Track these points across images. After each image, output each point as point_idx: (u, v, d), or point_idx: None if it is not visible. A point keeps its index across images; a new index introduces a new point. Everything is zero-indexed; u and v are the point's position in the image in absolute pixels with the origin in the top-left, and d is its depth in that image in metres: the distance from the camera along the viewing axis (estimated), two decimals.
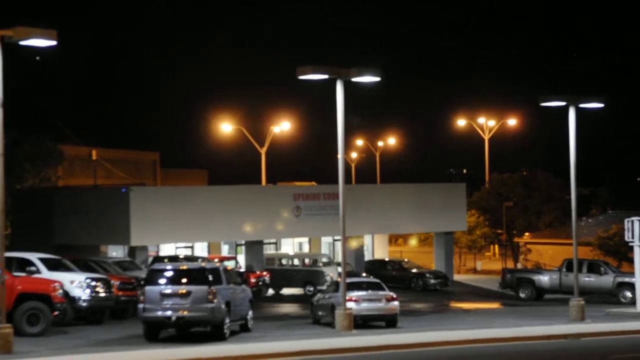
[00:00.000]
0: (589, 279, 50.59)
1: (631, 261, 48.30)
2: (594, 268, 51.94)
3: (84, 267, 38.66)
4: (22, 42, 25.82)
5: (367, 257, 62.50)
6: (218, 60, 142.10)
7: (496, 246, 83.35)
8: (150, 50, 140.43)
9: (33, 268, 34.47)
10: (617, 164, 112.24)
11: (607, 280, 51.02)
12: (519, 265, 68.81)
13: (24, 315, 29.92)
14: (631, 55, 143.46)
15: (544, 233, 72.67)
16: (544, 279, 52.75)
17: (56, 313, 30.69)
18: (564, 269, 51.61)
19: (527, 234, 73.59)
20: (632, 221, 41.96)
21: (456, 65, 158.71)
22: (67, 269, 35.89)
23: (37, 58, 49.90)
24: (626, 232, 42.47)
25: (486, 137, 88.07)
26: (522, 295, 52.57)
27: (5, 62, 25.81)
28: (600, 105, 39.43)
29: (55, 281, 31.62)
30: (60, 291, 31.17)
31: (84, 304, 34.63)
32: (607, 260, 58.05)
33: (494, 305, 49.59)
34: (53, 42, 26.04)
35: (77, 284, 34.60)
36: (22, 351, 25.44)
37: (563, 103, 38.42)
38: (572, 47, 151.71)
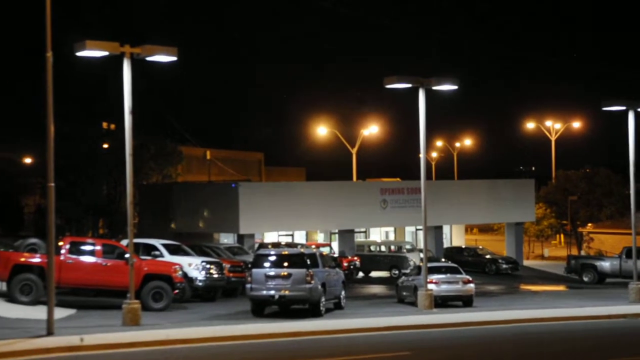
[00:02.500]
0: None
1: None
2: None
3: (200, 251, 39.19)
4: (149, 58, 26.25)
5: (446, 244, 62.16)
6: (313, 70, 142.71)
7: (562, 235, 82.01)
8: (256, 60, 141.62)
9: (157, 252, 35.16)
10: None
11: None
12: (583, 253, 67.62)
13: (149, 293, 30.47)
14: None
15: (605, 224, 71.20)
16: (606, 264, 51.78)
17: (176, 291, 31.14)
18: (624, 256, 50.59)
19: (589, 224, 72.24)
20: None
21: (525, 72, 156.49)
22: (185, 253, 36.48)
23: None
24: None
25: (553, 138, 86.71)
26: (585, 279, 51.70)
27: (133, 74, 26.34)
28: None
29: (175, 264, 32.15)
30: (180, 272, 31.64)
31: (200, 284, 35.16)
32: None
33: (560, 288, 48.88)
34: (174, 58, 26.44)
35: (194, 267, 35.13)
36: (148, 324, 25.90)
37: (623, 107, 37.72)
38: (631, 53, 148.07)
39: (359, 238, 58.38)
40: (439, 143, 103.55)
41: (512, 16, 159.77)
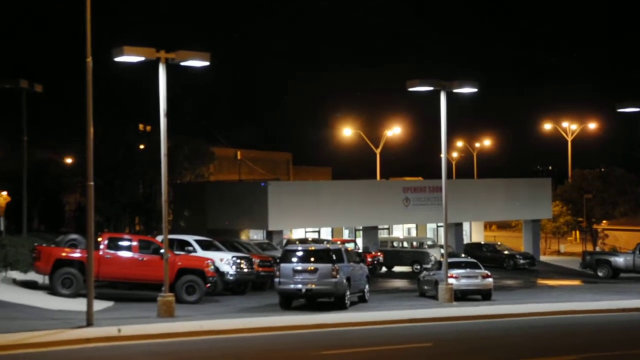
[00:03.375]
0: None
1: None
2: None
3: (231, 247, 39.25)
4: (182, 63, 26.33)
5: (466, 240, 61.98)
6: (340, 75, 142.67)
7: (577, 232, 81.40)
8: (283, 66, 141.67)
9: (190, 248, 35.28)
10: None
11: None
12: (597, 248, 67.16)
13: (183, 286, 30.56)
14: None
15: (619, 221, 70.74)
16: (620, 260, 51.37)
17: (208, 285, 31.18)
18: (637, 252, 50.21)
19: (604, 221, 71.75)
20: None
21: (542, 75, 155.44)
22: (217, 248, 36.51)
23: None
24: None
25: (569, 139, 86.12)
26: (600, 274, 51.32)
27: (167, 78, 26.41)
28: None
29: (208, 259, 32.17)
30: (212, 267, 31.69)
31: (231, 278, 35.19)
32: None
33: (575, 283, 48.55)
34: (207, 63, 26.49)
35: (225, 261, 35.18)
36: (182, 315, 25.99)
37: (637, 109, 37.40)
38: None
39: (383, 234, 58.33)
40: (459, 143, 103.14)
41: (524, 19, 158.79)
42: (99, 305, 27.16)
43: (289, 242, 45.38)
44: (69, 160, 65.03)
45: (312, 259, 29.81)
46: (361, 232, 56.68)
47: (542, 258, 64.55)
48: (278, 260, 31.70)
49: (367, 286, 33.06)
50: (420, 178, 67.47)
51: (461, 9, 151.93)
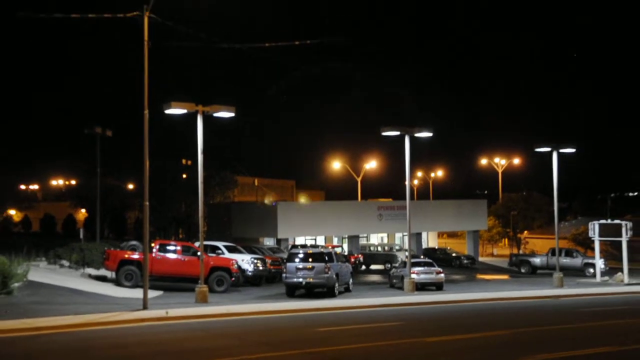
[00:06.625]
0: (565, 260, 49.04)
1: (593, 249, 46.88)
2: (569, 253, 50.36)
3: (250, 250, 39.22)
4: (215, 114, 26.44)
5: (424, 245, 61.86)
6: (329, 120, 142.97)
7: (506, 239, 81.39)
8: (290, 112, 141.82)
9: (219, 251, 35.22)
10: (585, 186, 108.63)
11: (577, 261, 49.42)
12: (521, 252, 67.11)
13: (214, 280, 30.53)
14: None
15: (537, 231, 70.81)
16: (537, 260, 51.40)
17: (233, 279, 31.17)
18: (550, 254, 50.24)
19: (526, 231, 71.80)
20: (594, 224, 41.17)
21: (482, 122, 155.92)
22: (239, 251, 36.51)
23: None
24: (590, 231, 41.47)
25: (499, 171, 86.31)
26: (522, 270, 51.30)
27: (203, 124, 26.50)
28: (573, 150, 38.48)
29: (233, 259, 32.15)
30: (236, 265, 31.66)
31: (250, 274, 35.14)
32: (577, 248, 56.21)
33: (505, 277, 48.44)
34: (232, 114, 26.61)
35: (246, 261, 35.18)
36: (214, 302, 25.91)
37: (549, 149, 37.70)
38: (561, 104, 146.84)
39: (362, 241, 58.21)
40: (420, 173, 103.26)
41: (470, 81, 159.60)
42: (152, 294, 27.10)
43: (293, 246, 45.30)
44: (130, 186, 64.90)
45: (310, 259, 29.80)
46: (347, 239, 56.57)
47: (481, 259, 64.42)
48: (285, 260, 31.68)
49: (351, 280, 33.01)
50: (390, 199, 67.51)
51: (429, 72, 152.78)
